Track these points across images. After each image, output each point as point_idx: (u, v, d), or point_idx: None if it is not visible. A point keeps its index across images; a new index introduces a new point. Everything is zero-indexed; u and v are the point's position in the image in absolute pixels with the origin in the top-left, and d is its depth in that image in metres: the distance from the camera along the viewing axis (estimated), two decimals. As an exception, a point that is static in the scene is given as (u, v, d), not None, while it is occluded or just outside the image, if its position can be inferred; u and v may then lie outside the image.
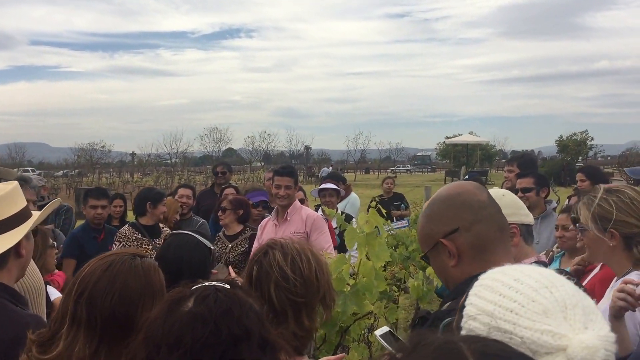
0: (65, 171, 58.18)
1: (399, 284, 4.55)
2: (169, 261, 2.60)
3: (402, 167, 71.87)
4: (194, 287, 1.37)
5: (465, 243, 1.66)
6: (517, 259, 1.87)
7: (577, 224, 2.62)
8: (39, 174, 55.33)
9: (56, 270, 4.41)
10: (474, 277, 1.57)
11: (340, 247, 5.10)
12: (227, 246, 5.42)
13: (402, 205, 10.07)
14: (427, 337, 0.89)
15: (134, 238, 5.12)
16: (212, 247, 2.75)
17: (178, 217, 5.78)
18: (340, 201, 8.46)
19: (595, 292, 2.83)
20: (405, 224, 8.84)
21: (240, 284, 1.48)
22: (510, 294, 1.04)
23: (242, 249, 5.37)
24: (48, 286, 3.45)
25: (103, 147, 67.85)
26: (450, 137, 59.96)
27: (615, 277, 2.57)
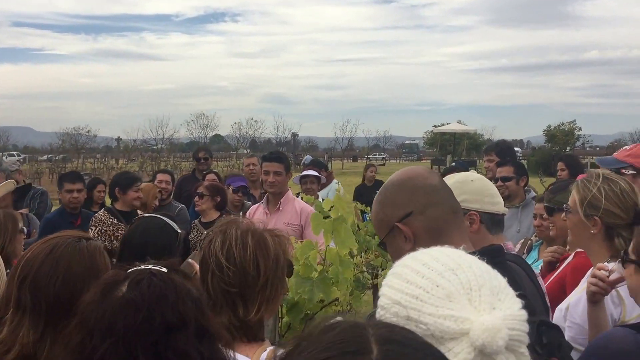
0: (49, 156, 57.64)
1: (375, 271, 4.52)
2: (134, 244, 2.57)
3: (378, 154, 71.51)
4: (129, 270, 1.32)
5: (421, 226, 1.67)
6: (478, 247, 1.83)
7: (565, 205, 2.62)
8: (23, 159, 55.10)
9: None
10: None
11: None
12: (202, 233, 5.36)
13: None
14: (337, 321, 0.88)
15: (109, 223, 5.05)
16: (180, 231, 2.71)
17: (157, 203, 5.71)
18: (322, 189, 8.45)
19: (567, 281, 2.83)
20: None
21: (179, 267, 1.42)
22: (416, 280, 1.03)
23: (219, 236, 5.32)
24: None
25: (88, 131, 67.46)
26: (438, 126, 60.05)
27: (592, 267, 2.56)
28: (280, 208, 4.69)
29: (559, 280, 2.94)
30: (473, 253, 1.68)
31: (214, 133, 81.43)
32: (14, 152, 65.61)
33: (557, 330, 1.70)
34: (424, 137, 74.64)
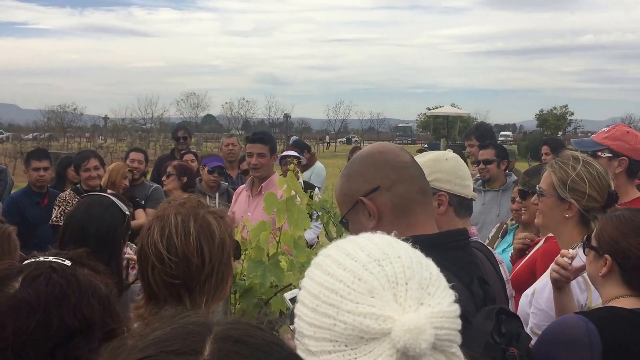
0: (35, 134, 56.99)
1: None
2: (75, 222, 2.42)
3: (351, 137, 70.93)
4: (25, 262, 1.14)
5: (386, 203, 1.59)
6: (443, 230, 1.72)
7: (538, 187, 2.55)
8: (7, 137, 54.21)
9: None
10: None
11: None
12: (170, 215, 5.23)
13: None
14: (186, 315, 0.78)
15: (73, 203, 4.89)
16: (128, 213, 2.54)
17: (127, 182, 5.54)
18: (304, 170, 8.31)
19: (537, 266, 2.76)
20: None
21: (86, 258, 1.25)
22: (337, 273, 0.93)
23: (187, 217, 5.18)
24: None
25: (74, 109, 66.71)
26: (432, 109, 59.91)
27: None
28: (262, 192, 4.42)
29: (529, 265, 2.87)
30: (440, 236, 1.64)
31: (205, 113, 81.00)
32: (-3, 130, 64.83)
33: (517, 319, 1.62)
34: (417, 120, 74.58)
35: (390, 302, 0.88)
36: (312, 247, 4.80)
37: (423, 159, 2.21)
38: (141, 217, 5.52)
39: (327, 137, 52.08)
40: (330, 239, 6.30)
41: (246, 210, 4.41)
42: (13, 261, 1.16)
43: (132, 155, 6.12)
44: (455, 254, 1.60)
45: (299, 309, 0.96)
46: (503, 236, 4.25)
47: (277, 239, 2.29)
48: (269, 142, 4.57)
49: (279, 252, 2.30)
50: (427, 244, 1.54)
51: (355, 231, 1.62)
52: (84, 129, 69.42)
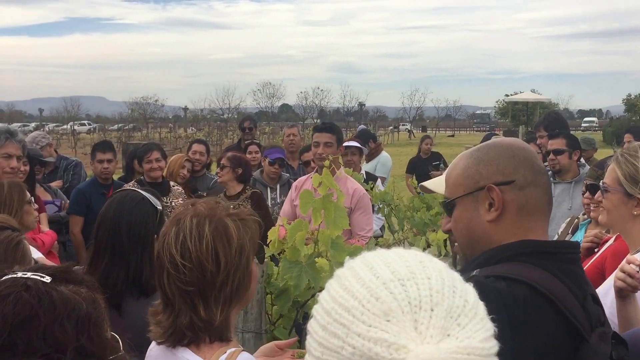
0: (120, 125, 59.47)
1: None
2: (107, 218, 2.40)
3: (402, 125, 69.01)
4: (2, 279, 1.06)
5: (514, 200, 1.47)
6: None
7: (602, 182, 2.34)
8: (94, 128, 56.97)
9: (47, 229, 4.28)
10: (508, 247, 1.43)
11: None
12: (227, 207, 5.21)
13: (441, 165, 9.67)
14: None
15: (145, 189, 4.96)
16: (160, 208, 2.50)
17: (186, 172, 5.58)
18: (369, 160, 8.15)
19: (606, 266, 2.55)
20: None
21: (73, 269, 1.17)
22: (354, 288, 0.81)
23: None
24: (25, 244, 3.30)
25: (156, 101, 69.12)
26: (511, 95, 57.96)
27: (630, 253, 2.26)
28: None
29: (597, 265, 2.64)
30: (555, 244, 1.52)
31: (280, 102, 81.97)
32: (85, 122, 68.00)
33: (625, 346, 1.47)
34: (495, 106, 72.43)
35: (408, 329, 0.76)
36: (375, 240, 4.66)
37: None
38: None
39: (410, 125, 51.25)
40: (393, 232, 6.14)
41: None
42: None
43: (194, 146, 6.13)
44: (567, 267, 1.46)
45: (311, 325, 0.85)
46: (574, 232, 3.98)
47: (315, 238, 2.17)
48: (337, 133, 4.42)
49: (317, 253, 2.18)
50: (541, 250, 1.44)
51: (462, 218, 1.52)
52: (165, 119, 71.79)
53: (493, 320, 1.35)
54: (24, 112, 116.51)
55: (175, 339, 1.58)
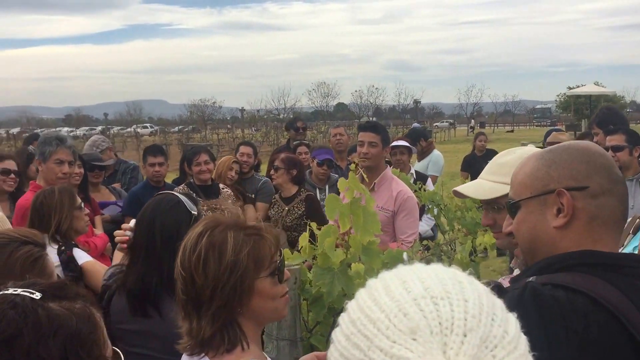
0: (180, 127, 60.95)
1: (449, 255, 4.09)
2: (144, 220, 2.43)
3: (444, 122, 66.99)
4: None
5: (586, 208, 1.38)
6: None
7: None
8: (155, 131, 58.66)
9: (101, 232, 4.38)
10: (570, 255, 1.36)
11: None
12: (283, 209, 5.20)
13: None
14: None
15: (182, 193, 5.03)
16: (195, 213, 2.51)
17: (234, 174, 5.61)
18: (421, 159, 8.02)
19: None
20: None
21: (69, 286, 1.15)
22: (382, 301, 0.77)
23: (299, 212, 5.11)
24: (75, 249, 3.39)
25: (214, 103, 70.58)
26: (572, 88, 56.06)
27: None
28: (375, 189, 4.08)
29: None
30: (624, 257, 1.39)
31: (335, 102, 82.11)
32: (147, 125, 70.16)
33: None
34: (556, 100, 70.24)
35: (435, 352, 0.70)
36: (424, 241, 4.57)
37: (512, 157, 1.97)
38: (250, 212, 5.56)
39: (473, 121, 50.12)
40: (443, 233, 6.01)
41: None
42: None
43: (242, 149, 6.14)
44: (637, 283, 1.35)
45: (335, 333, 0.81)
46: (635, 232, 3.79)
47: (347, 244, 2.13)
48: (381, 133, 4.28)
49: (349, 259, 2.14)
50: (606, 262, 1.35)
51: (526, 222, 1.45)
52: (223, 120, 73.11)
53: (548, 330, 1.25)
54: (91, 117, 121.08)
55: (190, 348, 1.59)
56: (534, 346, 0.78)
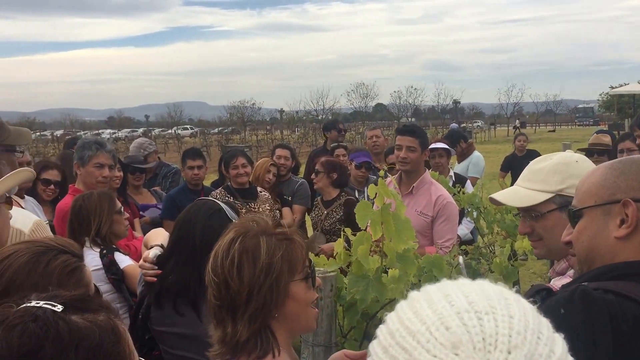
0: (220, 128, 61.66)
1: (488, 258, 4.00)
2: (185, 226, 2.45)
3: (475, 122, 65.71)
4: (17, 309, 1.04)
5: None
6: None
7: None
8: (195, 132, 59.46)
9: (140, 235, 4.44)
10: (626, 265, 1.34)
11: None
12: (322, 213, 5.18)
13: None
14: None
15: (224, 201, 5.06)
16: (235, 220, 2.53)
17: (272, 177, 5.62)
18: (460, 161, 7.91)
19: None
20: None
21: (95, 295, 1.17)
22: (424, 313, 0.76)
23: (337, 216, 5.09)
24: (117, 252, 3.43)
25: (253, 104, 71.18)
26: (616, 87, 54.60)
27: None
28: (414, 192, 4.06)
29: None
30: None
31: (374, 102, 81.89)
32: (187, 126, 71.27)
33: None
34: (599, 99, 68.57)
35: None
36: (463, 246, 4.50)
37: (547, 163, 1.92)
38: (287, 215, 5.57)
39: (517, 121, 49.13)
40: (482, 236, 5.91)
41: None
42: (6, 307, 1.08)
43: (278, 151, 6.15)
44: None
45: (372, 345, 0.80)
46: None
47: (381, 251, 2.11)
48: (420, 136, 4.18)
49: (383, 267, 2.12)
50: None
51: (585, 230, 1.43)
52: (262, 122, 73.69)
53: (595, 328, 1.22)
54: (133, 119, 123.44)
55: (222, 355, 1.60)
56: (580, 344, 0.75)
